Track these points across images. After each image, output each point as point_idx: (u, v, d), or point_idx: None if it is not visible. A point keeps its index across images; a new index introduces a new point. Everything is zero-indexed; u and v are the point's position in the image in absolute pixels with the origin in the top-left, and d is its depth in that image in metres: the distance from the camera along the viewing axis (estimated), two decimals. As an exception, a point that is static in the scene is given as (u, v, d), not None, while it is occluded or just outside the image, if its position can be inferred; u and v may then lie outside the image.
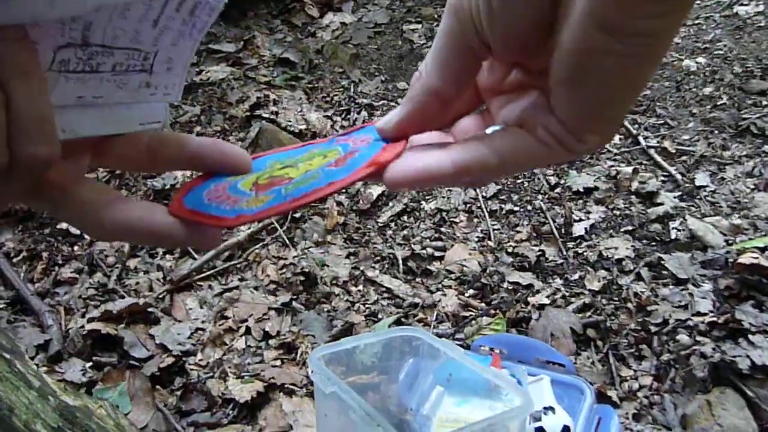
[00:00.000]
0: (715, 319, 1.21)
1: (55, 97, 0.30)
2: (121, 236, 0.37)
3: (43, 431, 0.82)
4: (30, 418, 0.84)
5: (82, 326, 1.26)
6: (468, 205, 1.72)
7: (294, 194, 0.37)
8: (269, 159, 0.47)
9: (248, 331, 1.35)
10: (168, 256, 1.55)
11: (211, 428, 1.11)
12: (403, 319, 1.36)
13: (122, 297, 1.39)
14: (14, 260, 1.52)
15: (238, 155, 0.40)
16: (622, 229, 1.57)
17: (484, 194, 1.75)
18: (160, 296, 1.42)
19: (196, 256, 1.53)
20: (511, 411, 0.79)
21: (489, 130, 0.35)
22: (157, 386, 1.19)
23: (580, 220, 1.61)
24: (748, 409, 1.05)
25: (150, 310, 1.35)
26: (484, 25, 0.30)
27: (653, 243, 1.51)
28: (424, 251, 1.58)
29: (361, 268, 1.54)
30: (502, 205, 1.71)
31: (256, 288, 1.47)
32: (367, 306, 1.42)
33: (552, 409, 1.02)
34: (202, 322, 1.36)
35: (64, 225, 1.58)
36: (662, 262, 1.40)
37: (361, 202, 1.74)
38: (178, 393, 1.17)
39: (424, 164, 0.34)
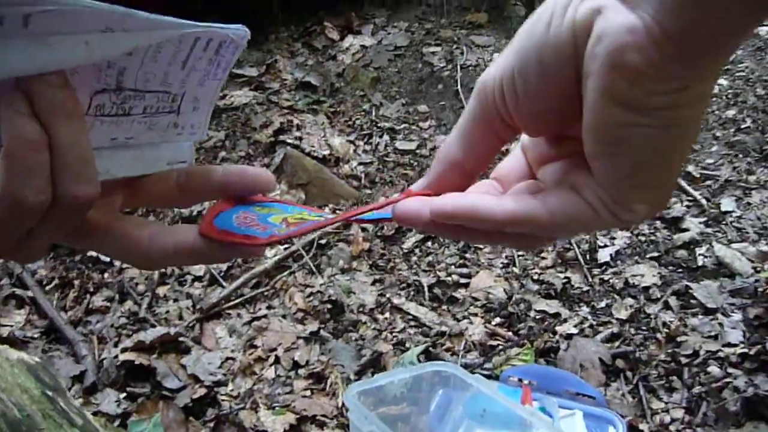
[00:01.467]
0: (746, 350, 1.20)
1: (91, 140, 0.32)
2: (167, 263, 0.39)
3: (87, 470, 0.84)
4: (74, 457, 0.85)
5: (116, 356, 1.28)
6: (492, 231, 1.73)
7: (323, 217, 0.40)
8: (298, 208, 0.48)
9: (277, 360, 1.36)
10: (197, 284, 1.57)
11: (245, 461, 1.13)
12: (431, 349, 1.37)
13: (153, 326, 1.41)
14: (46, 288, 1.54)
15: (262, 176, 0.41)
16: (647, 256, 1.57)
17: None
18: (190, 325, 1.44)
19: (224, 284, 1.55)
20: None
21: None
22: (190, 417, 1.20)
23: (605, 246, 1.61)
24: (783, 445, 1.04)
25: (181, 339, 1.36)
26: (510, 109, 0.30)
27: (680, 270, 1.51)
28: (449, 278, 1.59)
29: (388, 296, 1.55)
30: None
31: (284, 316, 1.48)
32: (394, 334, 1.43)
33: (585, 444, 1.03)
34: (232, 351, 1.38)
35: (93, 252, 1.61)
36: (690, 290, 1.40)
37: (385, 228, 1.75)
38: (211, 425, 1.19)
39: (471, 202, 0.33)
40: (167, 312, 1.47)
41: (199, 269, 1.61)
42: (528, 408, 0.96)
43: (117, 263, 1.61)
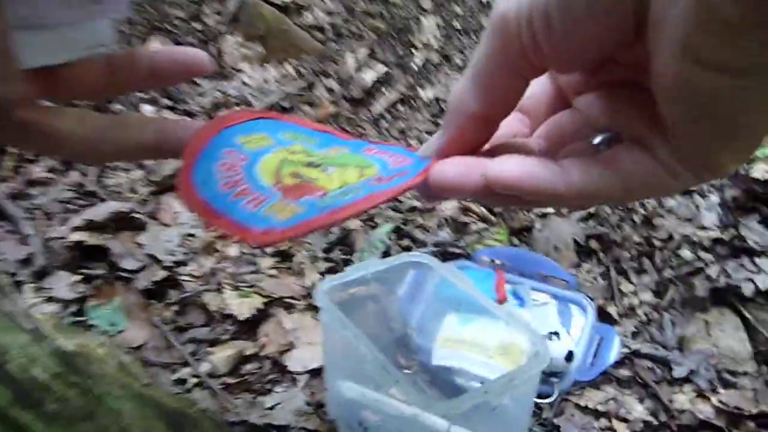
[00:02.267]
0: (719, 234, 1.19)
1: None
2: (125, 160, 0.40)
3: (44, 376, 0.79)
4: (27, 364, 0.80)
5: (65, 237, 1.19)
6: (468, 95, 1.61)
7: (332, 206, 0.33)
8: (283, 128, 0.40)
9: (241, 236, 1.29)
10: (148, 152, 1.44)
11: (212, 345, 1.10)
12: (402, 226, 1.32)
13: (103, 200, 1.30)
14: (-21, 154, 1.40)
15: (196, 57, 0.37)
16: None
17: (485, 82, 1.63)
18: (145, 199, 1.34)
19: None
20: (532, 364, 0.78)
21: (596, 140, 0.31)
22: (152, 300, 1.15)
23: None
24: (745, 331, 1.07)
25: (135, 215, 1.27)
26: (542, 48, 0.25)
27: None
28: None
29: (356, 165, 1.46)
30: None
31: (245, 188, 1.39)
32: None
33: (557, 334, 1.03)
34: (192, 227, 1.30)
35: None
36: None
37: (353, 89, 1.61)
38: (175, 308, 1.15)
39: (531, 173, 0.29)
40: (118, 184, 1.35)
41: (149, 135, 1.47)
42: (507, 309, 0.94)
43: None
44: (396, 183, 0.34)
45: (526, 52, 0.26)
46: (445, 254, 1.26)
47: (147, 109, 1.53)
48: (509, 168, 0.29)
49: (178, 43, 1.64)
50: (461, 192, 0.31)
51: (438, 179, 0.31)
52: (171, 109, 1.54)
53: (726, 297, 1.10)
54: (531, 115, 0.37)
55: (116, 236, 1.24)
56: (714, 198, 1.29)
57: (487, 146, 0.34)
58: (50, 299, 1.11)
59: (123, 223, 1.26)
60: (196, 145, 0.36)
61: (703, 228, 1.23)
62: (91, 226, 1.22)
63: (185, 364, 1.06)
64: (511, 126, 0.36)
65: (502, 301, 1.10)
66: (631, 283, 1.19)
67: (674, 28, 0.21)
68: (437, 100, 1.60)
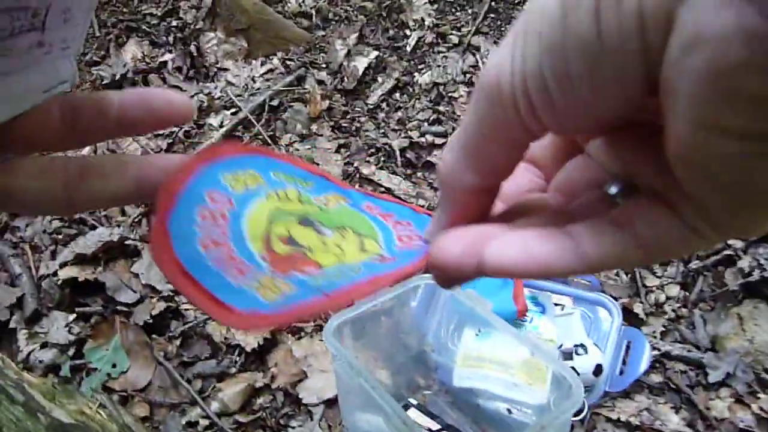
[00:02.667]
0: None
1: None
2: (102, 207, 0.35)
3: (41, 452, 0.74)
4: (23, 440, 0.75)
5: (55, 273, 1.13)
6: (468, 76, 1.52)
7: (327, 289, 0.29)
8: (275, 167, 0.34)
9: (241, 254, 1.23)
10: (135, 168, 1.36)
11: (219, 379, 1.05)
12: (408, 229, 1.25)
13: (93, 227, 1.23)
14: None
15: (173, 101, 0.32)
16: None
17: (485, 61, 1.53)
18: (136, 220, 1.27)
19: (167, 167, 1.35)
20: (565, 409, 0.72)
21: (612, 190, 0.27)
22: (153, 335, 1.10)
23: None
24: (782, 325, 1.01)
25: (128, 243, 1.20)
26: (540, 115, 0.22)
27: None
28: (422, 139, 1.41)
29: (355, 164, 1.38)
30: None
31: (241, 200, 1.31)
32: (366, 212, 1.30)
33: (584, 347, 0.97)
34: (188, 248, 1.23)
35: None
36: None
37: (346, 79, 1.52)
38: (177, 341, 1.09)
39: (543, 260, 0.26)
40: (107, 209, 1.28)
41: (134, 149, 1.39)
42: (530, 338, 0.87)
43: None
44: (399, 264, 0.30)
45: (524, 121, 0.23)
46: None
47: (129, 119, 1.45)
48: (509, 253, 0.26)
49: (156, 45, 1.54)
50: (463, 277, 0.27)
51: (437, 263, 0.28)
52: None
53: (759, 288, 1.04)
54: (540, 164, 0.33)
55: (109, 267, 1.17)
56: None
57: (500, 205, 0.31)
58: (45, 345, 1.05)
59: (115, 252, 1.20)
60: (174, 186, 0.30)
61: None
62: (81, 260, 1.16)
63: (194, 402, 1.01)
64: (523, 177, 0.33)
65: (522, 312, 1.04)
66: (657, 276, 1.13)
67: (690, 101, 0.18)
68: (435, 84, 1.50)
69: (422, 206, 0.32)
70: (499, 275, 0.27)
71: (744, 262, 1.05)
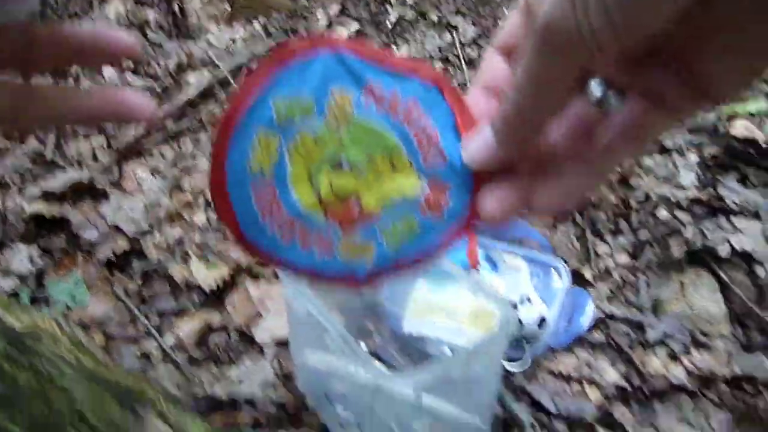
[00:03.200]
0: (697, 194, 1.16)
1: None
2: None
3: (-8, 356, 0.76)
4: (-26, 343, 0.77)
5: (22, 208, 1.15)
6: (444, 53, 1.56)
7: (401, 256, 0.35)
8: (340, 78, 0.33)
9: (208, 203, 1.25)
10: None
11: (177, 316, 1.07)
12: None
13: (63, 169, 1.25)
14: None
15: (119, 40, 0.35)
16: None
17: (461, 39, 1.57)
18: (107, 167, 1.29)
19: (141, 117, 1.37)
20: (497, 335, 0.75)
21: (597, 93, 0.29)
22: (115, 271, 1.12)
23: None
24: (721, 292, 1.05)
25: (97, 185, 1.23)
26: (607, 46, 0.23)
27: (641, 102, 1.41)
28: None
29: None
30: (482, 53, 1.55)
31: (212, 154, 1.34)
32: (334, 173, 1.33)
33: (529, 299, 1.01)
34: (157, 195, 1.26)
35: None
36: (649, 127, 1.32)
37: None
38: (139, 280, 1.11)
39: (573, 194, 0.31)
40: (79, 153, 1.30)
41: (111, 99, 1.41)
42: (474, 278, 0.91)
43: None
44: (449, 220, 0.34)
45: (591, 56, 0.24)
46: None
47: (109, 72, 1.47)
48: (552, 200, 0.31)
49: (139, 2, 1.56)
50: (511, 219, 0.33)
51: (488, 219, 0.32)
52: (134, 72, 1.47)
53: (702, 258, 1.08)
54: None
55: (76, 206, 1.20)
56: (693, 157, 1.25)
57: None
58: (7, 273, 1.07)
59: (83, 192, 1.22)
60: (235, 111, 0.32)
61: (681, 187, 1.20)
62: (49, 197, 1.18)
63: (150, 336, 1.03)
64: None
65: (474, 266, 1.08)
66: (607, 244, 1.17)
67: None
68: (413, 58, 1.54)
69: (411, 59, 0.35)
70: (552, 213, 0.33)
71: (688, 232, 1.10)
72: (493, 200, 0.32)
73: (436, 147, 0.33)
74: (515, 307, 1.00)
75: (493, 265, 1.11)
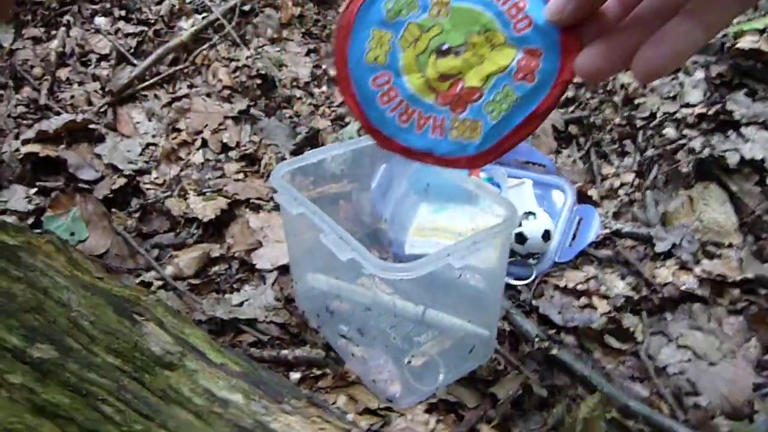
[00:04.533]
0: (705, 110, 1.13)
1: None
2: None
3: (-14, 273, 0.75)
4: (-33, 260, 0.76)
5: (17, 149, 1.14)
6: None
7: (505, 127, 0.38)
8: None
9: (205, 143, 1.24)
10: (103, 63, 1.37)
11: (177, 249, 1.06)
12: (372, 123, 1.26)
13: (57, 113, 1.24)
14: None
15: None
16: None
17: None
18: (101, 110, 1.27)
19: (135, 62, 1.35)
20: (497, 227, 0.73)
21: None
22: (113, 209, 1.11)
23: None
24: (730, 203, 1.02)
25: (92, 126, 1.21)
26: None
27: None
28: (392, 45, 1.42)
29: (324, 67, 1.39)
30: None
31: (208, 95, 1.32)
32: (332, 109, 1.31)
33: (533, 213, 0.98)
34: (153, 136, 1.24)
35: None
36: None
37: (318, -12, 1.52)
38: (137, 215, 1.10)
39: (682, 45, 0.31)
40: (72, 97, 1.29)
41: (103, 46, 1.39)
42: (473, 180, 0.89)
43: (5, 44, 1.37)
44: (543, 84, 0.36)
45: None
46: (418, 149, 1.21)
47: (100, 20, 1.45)
48: (658, 60, 0.31)
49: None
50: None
51: (585, 75, 0.33)
52: (126, 19, 1.45)
53: (711, 170, 1.05)
54: None
55: (72, 148, 1.18)
56: (699, 74, 1.22)
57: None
58: (4, 212, 1.06)
59: (79, 134, 1.20)
60: (351, 15, 0.37)
61: (688, 105, 1.16)
62: (44, 138, 1.16)
63: (150, 269, 1.02)
64: None
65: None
66: (613, 165, 1.14)
67: None
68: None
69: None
70: (644, 81, 0.32)
71: (696, 145, 1.07)
72: (590, 58, 0.33)
73: (524, 13, 0.36)
74: (519, 224, 0.98)
75: (497, 186, 1.09)
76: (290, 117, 1.28)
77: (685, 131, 1.12)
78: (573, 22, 0.34)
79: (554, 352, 0.89)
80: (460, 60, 0.38)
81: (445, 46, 0.38)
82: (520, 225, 0.97)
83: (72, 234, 1.06)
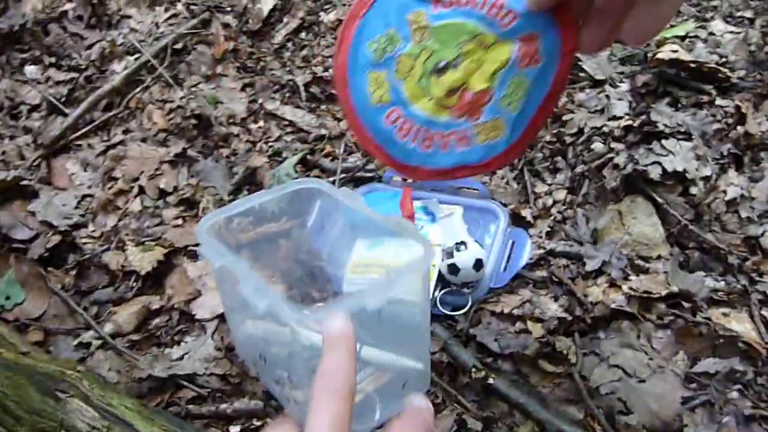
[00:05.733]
0: (630, 122, 1.16)
1: None
2: None
3: None
4: None
5: (-54, 214, 1.12)
6: (372, 12, 1.53)
7: (527, 114, 0.40)
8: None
9: (142, 190, 1.23)
10: (34, 114, 1.35)
11: (116, 304, 1.06)
12: (308, 156, 1.26)
13: (-11, 171, 1.22)
14: None
15: None
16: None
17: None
18: (35, 164, 1.26)
19: (66, 111, 1.34)
20: (411, 264, 0.74)
21: None
22: (49, 268, 1.10)
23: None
24: (657, 215, 1.05)
25: (24, 183, 1.20)
26: None
27: (571, 39, 1.39)
28: (327, 73, 1.42)
29: (260, 101, 1.39)
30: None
31: (143, 140, 1.32)
32: (269, 144, 1.31)
33: (464, 243, 0.99)
34: (89, 187, 1.23)
35: None
36: (579, 62, 1.30)
37: (250, 21, 1.52)
38: (74, 272, 1.09)
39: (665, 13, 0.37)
40: (4, 153, 1.27)
41: (33, 97, 1.38)
42: (395, 218, 0.89)
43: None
44: (551, 64, 0.38)
45: None
46: (355, 180, 1.22)
47: (30, 69, 1.43)
48: (641, 26, 0.36)
49: (54, -6, 1.52)
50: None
51: (588, 49, 0.38)
52: (56, 66, 1.44)
53: (636, 184, 1.07)
54: None
55: (4, 207, 1.17)
56: (624, 86, 1.24)
57: None
58: (-65, 281, 1.04)
59: (11, 193, 1.19)
60: (342, 67, 0.40)
61: (615, 118, 1.19)
62: (-27, 200, 1.15)
63: (89, 327, 1.02)
64: None
65: (409, 217, 1.06)
66: (546, 183, 1.16)
67: None
68: (341, 22, 1.51)
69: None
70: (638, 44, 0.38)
71: (620, 159, 1.09)
72: (588, 35, 0.37)
73: (506, 9, 0.37)
74: (451, 255, 0.99)
75: (432, 216, 1.10)
76: (227, 156, 1.28)
77: (613, 144, 1.15)
78: (552, 4, 0.37)
79: (491, 381, 0.90)
80: (459, 71, 0.39)
81: (442, 64, 0.39)
82: (452, 256, 0.98)
83: (7, 298, 1.05)
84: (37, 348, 0.82)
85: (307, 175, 1.23)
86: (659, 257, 1.01)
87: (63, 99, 1.37)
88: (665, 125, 1.12)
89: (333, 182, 1.20)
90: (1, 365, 0.75)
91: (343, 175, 1.21)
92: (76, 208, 1.19)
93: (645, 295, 0.94)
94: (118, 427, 0.72)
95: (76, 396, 0.74)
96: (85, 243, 1.13)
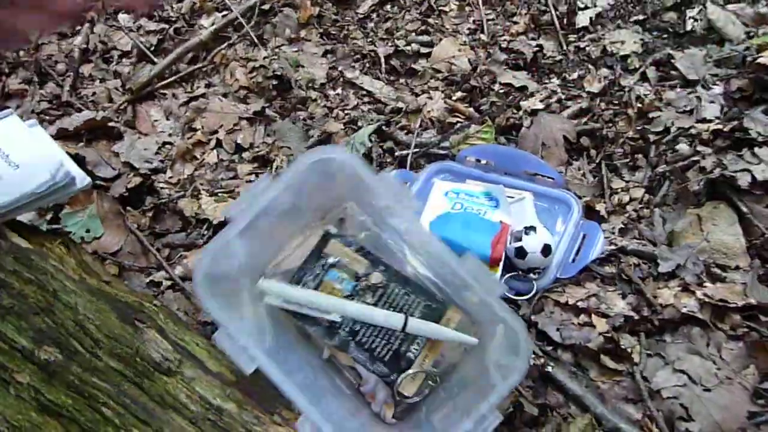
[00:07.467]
0: (720, 126, 1.11)
1: None
2: None
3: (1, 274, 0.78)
4: (-17, 261, 0.79)
5: (38, 145, 1.17)
6: (460, -10, 1.51)
7: None
8: None
9: (219, 143, 1.26)
10: (125, 60, 1.40)
11: (187, 249, 1.09)
12: (384, 127, 1.26)
13: (79, 110, 1.27)
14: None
15: None
16: (631, 19, 1.39)
17: (479, -23, 1.52)
18: (122, 107, 1.30)
19: (155, 59, 1.38)
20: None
21: None
22: (128, 207, 1.14)
23: (586, 7, 1.42)
24: (740, 224, 1.01)
25: (111, 124, 1.24)
26: None
27: (665, 36, 1.35)
28: (408, 47, 1.42)
29: (340, 68, 1.40)
30: (499, -10, 1.50)
31: (225, 95, 1.34)
32: (346, 112, 1.32)
33: (533, 228, 0.98)
34: (169, 135, 1.27)
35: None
36: (672, 60, 1.26)
37: (338, -12, 1.52)
38: (150, 214, 1.13)
39: None
40: (94, 94, 1.32)
41: (126, 43, 1.42)
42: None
43: (32, 37, 1.40)
44: None
45: None
46: (428, 155, 1.21)
47: (123, 17, 1.48)
48: None
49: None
50: None
51: None
52: (148, 16, 1.48)
53: (722, 190, 1.04)
54: None
55: (92, 145, 1.22)
56: (717, 89, 1.20)
57: None
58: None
59: (99, 132, 1.24)
60: None
61: (704, 120, 1.14)
62: (64, 135, 1.20)
63: (161, 268, 1.05)
64: None
65: (496, 260, 1.00)
66: (623, 180, 1.13)
67: None
68: (428, -3, 1.50)
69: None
70: None
71: (707, 163, 1.05)
72: None
73: None
74: (519, 238, 0.98)
75: (495, 201, 1.09)
76: (304, 119, 1.30)
77: (699, 147, 1.11)
78: None
79: (549, 369, 0.90)
80: None
81: None
82: (520, 240, 0.97)
83: (88, 231, 1.09)
84: (116, 279, 0.85)
85: (381, 146, 1.23)
86: (738, 267, 0.98)
87: (152, 48, 1.41)
88: (759, 133, 1.08)
89: (406, 156, 1.20)
90: (85, 290, 0.79)
91: (417, 150, 1.21)
92: (157, 153, 1.23)
93: (720, 303, 0.91)
94: (189, 362, 0.75)
95: (152, 327, 0.77)
96: (162, 187, 1.17)
